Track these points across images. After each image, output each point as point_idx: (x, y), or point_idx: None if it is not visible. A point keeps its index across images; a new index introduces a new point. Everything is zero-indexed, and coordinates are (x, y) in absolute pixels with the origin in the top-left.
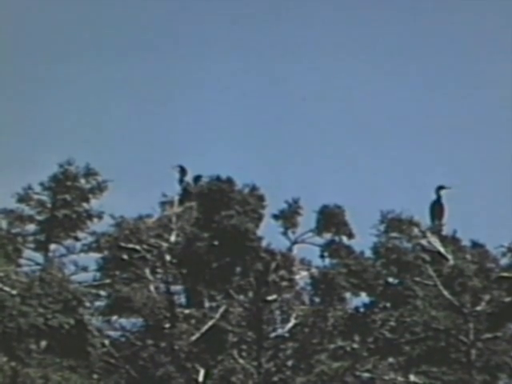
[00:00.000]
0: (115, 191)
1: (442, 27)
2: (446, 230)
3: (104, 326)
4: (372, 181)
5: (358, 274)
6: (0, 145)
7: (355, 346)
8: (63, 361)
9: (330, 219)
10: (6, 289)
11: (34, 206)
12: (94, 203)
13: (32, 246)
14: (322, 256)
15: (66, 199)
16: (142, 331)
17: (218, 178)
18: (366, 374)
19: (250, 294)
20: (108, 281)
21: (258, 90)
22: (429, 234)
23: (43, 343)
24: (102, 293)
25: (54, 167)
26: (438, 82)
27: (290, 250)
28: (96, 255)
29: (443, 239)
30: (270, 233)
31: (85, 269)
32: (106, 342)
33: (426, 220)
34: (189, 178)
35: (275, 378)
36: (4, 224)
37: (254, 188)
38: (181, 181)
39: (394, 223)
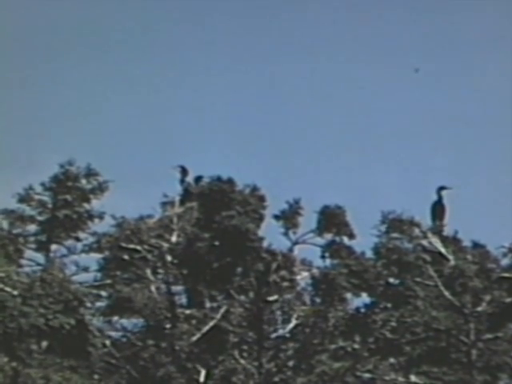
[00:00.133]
0: (116, 191)
1: (442, 27)
2: (447, 231)
3: (105, 326)
4: (373, 181)
5: (358, 275)
6: (1, 145)
7: (356, 346)
8: (64, 361)
9: (331, 220)
10: (7, 289)
11: (34, 206)
12: (95, 203)
13: (33, 246)
14: (322, 256)
15: (67, 199)
16: (142, 331)
17: (219, 179)
18: (367, 375)
19: (251, 294)
20: (109, 281)
21: (259, 91)
22: (430, 235)
23: (44, 343)
24: (103, 293)
25: (55, 167)
26: (439, 83)
27: (290, 250)
28: (97, 255)
29: (444, 240)
30: (270, 233)
31: (86, 269)
32: (107, 342)
33: (426, 220)
34: (190, 179)
35: (276, 379)
36: (5, 224)
37: (254, 188)
38: (182, 181)
39: (395, 224)
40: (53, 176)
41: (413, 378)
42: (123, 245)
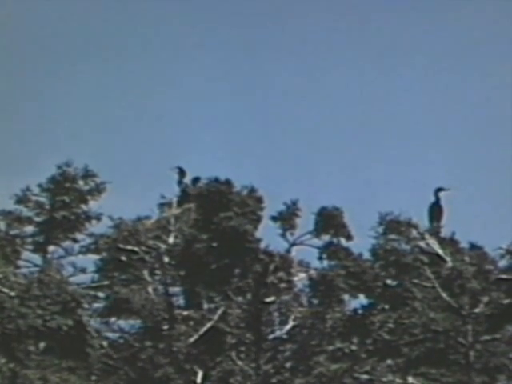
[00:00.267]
0: (114, 193)
1: (442, 26)
2: (445, 232)
3: (103, 327)
4: (370, 183)
5: (356, 276)
6: None
7: (354, 347)
8: (62, 362)
9: (329, 221)
10: (5, 290)
11: (32, 207)
12: (93, 205)
13: (30, 247)
14: (320, 258)
15: (65, 201)
16: (140, 333)
17: (217, 180)
18: (365, 376)
19: (249, 295)
20: (106, 282)
21: (257, 92)
22: (427, 236)
23: (42, 344)
24: (101, 294)
25: (53, 169)
26: (438, 83)
27: (288, 251)
28: (94, 257)
29: (442, 241)
30: (268, 234)
31: (83, 270)
32: (105, 343)
33: (424, 222)
34: (188, 180)
35: (274, 380)
36: (2, 225)
37: (252, 190)
38: (180, 182)
39: (393, 225)
40: (50, 177)
41: (411, 379)
42: (121, 246)
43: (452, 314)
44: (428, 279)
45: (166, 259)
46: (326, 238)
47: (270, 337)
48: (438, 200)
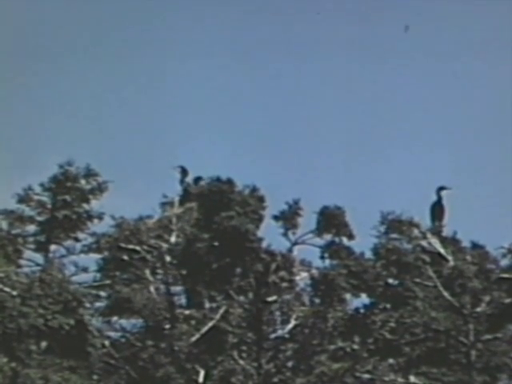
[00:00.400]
0: (115, 192)
1: (442, 26)
2: (446, 231)
3: (104, 326)
4: (372, 182)
5: (358, 275)
6: (0, 146)
7: (355, 346)
8: (63, 361)
9: (331, 220)
10: (7, 289)
11: (34, 206)
12: (94, 204)
13: (32, 246)
14: (322, 257)
15: (66, 200)
16: (142, 332)
17: (219, 179)
18: (366, 375)
19: (250, 294)
20: (108, 282)
21: (259, 91)
22: (429, 235)
23: (43, 344)
24: (102, 293)
25: (54, 168)
26: (438, 82)
27: (290, 250)
28: (96, 256)
29: (443, 240)
30: (270, 234)
31: (85, 269)
32: (106, 342)
33: (426, 221)
34: (190, 179)
35: (275, 379)
36: (4, 225)
37: (254, 189)
38: (182, 182)
39: (395, 224)
40: (52, 176)
41: (412, 378)
42: (122, 245)
43: (453, 313)
44: (429, 278)
45: (168, 258)
46: (327, 237)
47: (272, 336)
48: (439, 199)
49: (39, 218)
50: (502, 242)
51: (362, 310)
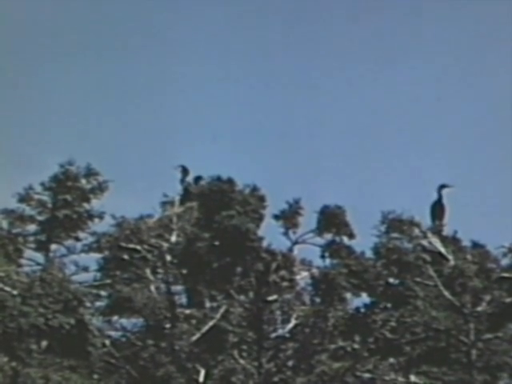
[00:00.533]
0: (116, 191)
1: (442, 26)
2: (447, 231)
3: (104, 326)
4: (373, 181)
5: (358, 275)
6: (1, 145)
7: (356, 346)
8: (64, 361)
9: (331, 219)
10: (7, 289)
11: (34, 206)
12: (95, 203)
13: (33, 246)
14: (322, 256)
15: (67, 199)
16: (142, 331)
17: (219, 179)
18: (367, 375)
19: (251, 294)
20: (109, 281)
21: (259, 90)
22: (429, 235)
23: (44, 343)
24: (103, 293)
25: (55, 167)
26: (438, 81)
27: (290, 250)
28: (97, 255)
29: (444, 239)
30: (270, 233)
31: (85, 269)
32: (107, 342)
33: (426, 220)
34: (190, 179)
35: (276, 379)
36: (5, 224)
37: (254, 188)
38: (182, 181)
39: (395, 224)
40: (53, 176)
41: (412, 377)
42: (123, 244)
43: (454, 312)
44: (430, 278)
45: (168, 258)
46: (328, 236)
47: (272, 335)
48: (440, 198)
49: (40, 218)
50: (502, 241)
51: (362, 310)
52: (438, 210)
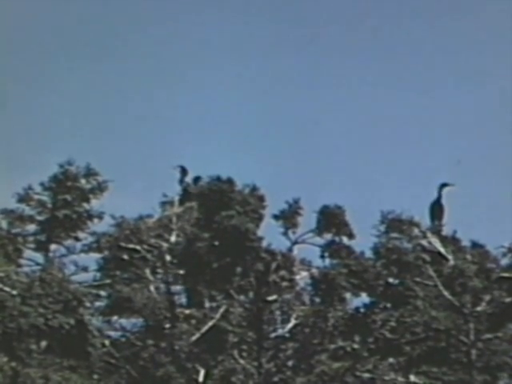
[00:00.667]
0: (115, 191)
1: (441, 26)
2: (446, 231)
3: (104, 326)
4: (372, 181)
5: (358, 275)
6: (0, 145)
7: (355, 346)
8: (63, 361)
9: (331, 219)
10: (7, 289)
11: (34, 206)
12: (95, 203)
13: (32, 246)
14: (322, 256)
15: (67, 199)
16: (142, 331)
17: (219, 179)
18: (367, 375)
19: (251, 294)
20: (108, 281)
21: (258, 90)
22: (429, 235)
23: (43, 343)
24: (103, 293)
25: (55, 167)
26: (438, 81)
27: (290, 250)
28: (96, 255)
29: (443, 239)
30: (270, 233)
31: (85, 269)
32: (107, 342)
33: (426, 220)
34: (189, 179)
35: (275, 379)
36: (4, 224)
37: (254, 188)
38: (181, 181)
39: (395, 223)
40: (52, 176)
41: (412, 377)
42: (122, 244)
43: (454, 312)
44: (430, 278)
45: (168, 258)
46: (327, 236)
47: (272, 335)
48: (439, 197)
49: (39, 218)
50: (502, 241)
51: (362, 310)
52: (436, 209)
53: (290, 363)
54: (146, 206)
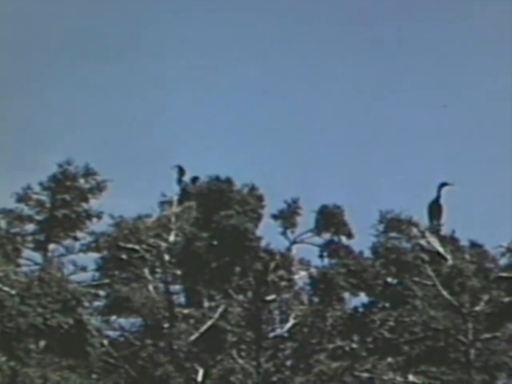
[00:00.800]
0: (114, 191)
1: (441, 26)
2: (445, 230)
3: (103, 325)
4: (371, 181)
5: (357, 274)
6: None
7: (354, 345)
8: (62, 360)
9: (329, 219)
10: (6, 288)
11: (33, 205)
12: (93, 203)
13: (31, 245)
14: (321, 256)
15: (66, 199)
16: (141, 331)
17: (217, 178)
18: (365, 374)
19: (249, 293)
20: (107, 281)
21: (258, 90)
22: (428, 234)
23: (42, 343)
24: (101, 293)
25: (54, 167)
26: (437, 81)
27: (289, 249)
28: (95, 255)
29: (442, 239)
30: (269, 233)
31: (84, 269)
32: (105, 341)
33: (424, 220)
34: (187, 179)
35: (274, 378)
36: (3, 224)
37: (253, 188)
38: (179, 181)
39: (393, 223)
40: (51, 175)
41: (411, 377)
42: (121, 244)
43: (452, 312)
44: (428, 277)
45: (167, 257)
46: (326, 236)
47: (271, 335)
48: (438, 197)
49: (38, 217)
50: (500, 241)
51: (361, 309)
52: (435, 209)
53: (288, 363)
54: (144, 205)
